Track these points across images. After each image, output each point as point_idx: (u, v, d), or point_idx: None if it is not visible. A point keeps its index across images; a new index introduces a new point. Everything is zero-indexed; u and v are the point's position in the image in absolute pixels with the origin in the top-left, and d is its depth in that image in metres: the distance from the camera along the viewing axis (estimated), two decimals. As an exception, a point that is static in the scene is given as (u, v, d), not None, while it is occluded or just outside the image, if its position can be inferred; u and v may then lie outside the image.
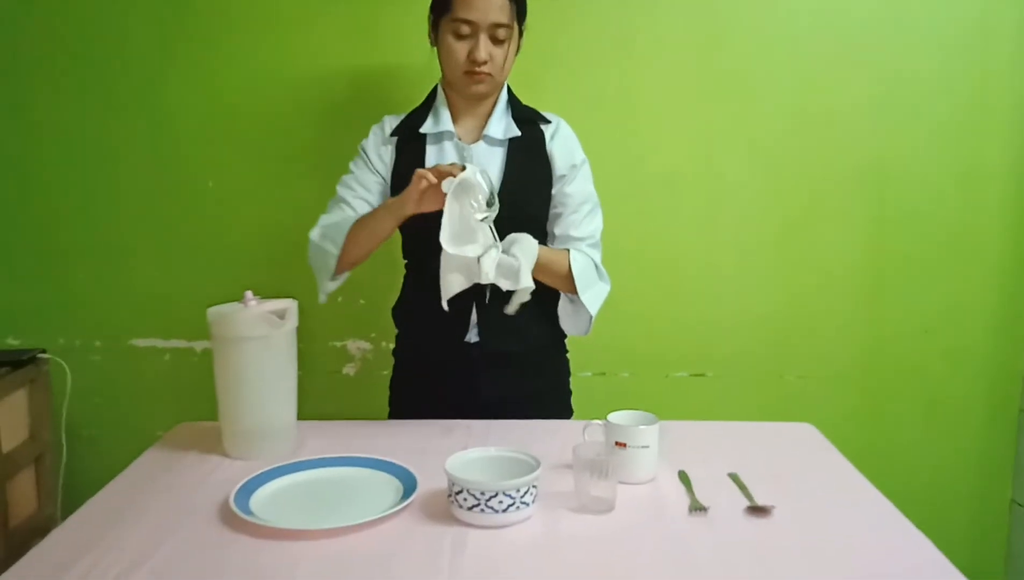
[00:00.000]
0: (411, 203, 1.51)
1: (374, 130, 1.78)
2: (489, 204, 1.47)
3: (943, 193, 2.28)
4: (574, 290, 1.69)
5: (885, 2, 2.19)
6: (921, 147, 2.26)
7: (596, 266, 1.74)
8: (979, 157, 2.27)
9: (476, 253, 1.47)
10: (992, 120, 2.25)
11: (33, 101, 2.21)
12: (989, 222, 2.30)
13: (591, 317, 1.73)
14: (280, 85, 2.21)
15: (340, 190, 1.75)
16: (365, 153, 1.76)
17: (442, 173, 1.47)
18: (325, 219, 1.72)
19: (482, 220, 1.46)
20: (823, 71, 2.22)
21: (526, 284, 1.51)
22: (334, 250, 1.64)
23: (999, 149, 2.27)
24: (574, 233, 1.73)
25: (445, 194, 1.44)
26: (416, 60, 2.13)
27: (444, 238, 1.46)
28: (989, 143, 2.26)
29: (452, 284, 1.53)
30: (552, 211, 1.76)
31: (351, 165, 1.77)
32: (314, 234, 1.70)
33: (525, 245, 1.56)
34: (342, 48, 2.19)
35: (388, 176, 1.74)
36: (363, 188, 1.73)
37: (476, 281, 1.52)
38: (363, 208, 1.71)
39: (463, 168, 1.45)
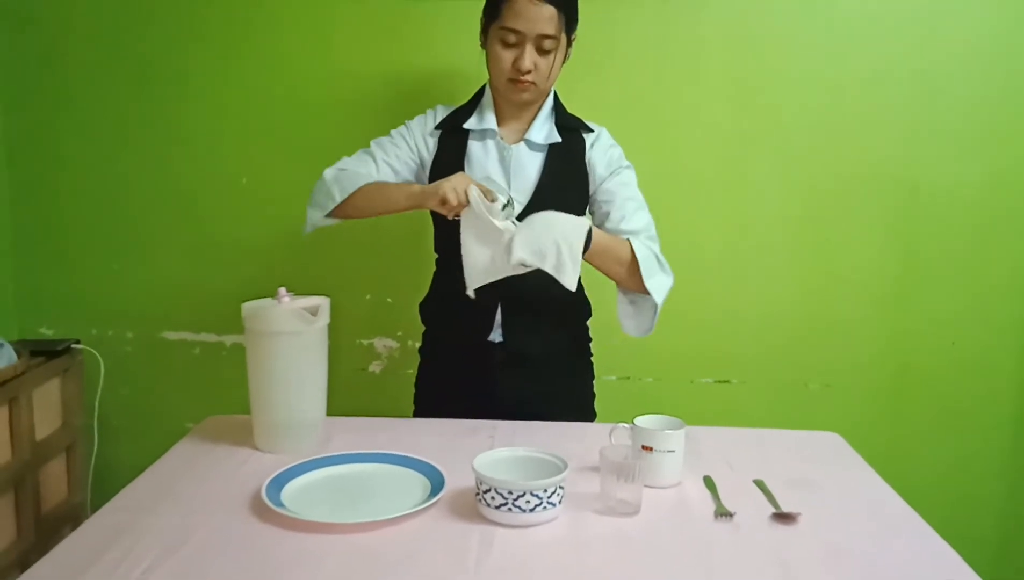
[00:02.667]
0: (434, 200, 1.53)
1: (427, 114, 1.80)
2: (504, 207, 1.53)
3: (969, 200, 2.26)
4: (637, 280, 1.62)
5: (914, 9, 2.19)
6: (948, 153, 2.25)
7: (657, 257, 1.68)
8: (1006, 164, 2.25)
9: (493, 251, 1.52)
10: (1017, 126, 2.23)
11: (68, 94, 2.25)
12: (1015, 229, 2.28)
13: (656, 308, 1.66)
14: (313, 82, 2.23)
15: (373, 146, 1.77)
16: (410, 131, 1.78)
17: (484, 194, 1.51)
18: (346, 162, 1.74)
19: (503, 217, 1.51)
20: (851, 76, 2.21)
21: (551, 265, 1.51)
22: (338, 197, 1.65)
23: None
24: (627, 226, 1.69)
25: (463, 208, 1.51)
26: (449, 61, 2.18)
27: (464, 235, 1.52)
28: (1016, 150, 2.25)
29: (475, 274, 1.55)
30: (600, 209, 1.75)
31: (392, 132, 1.79)
32: (328, 173, 1.71)
33: (549, 218, 1.54)
34: (374, 47, 2.21)
35: (428, 164, 1.76)
36: (395, 158, 1.75)
37: (501, 274, 1.53)
38: (385, 173, 1.73)
39: (494, 199, 1.52)
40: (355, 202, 1.66)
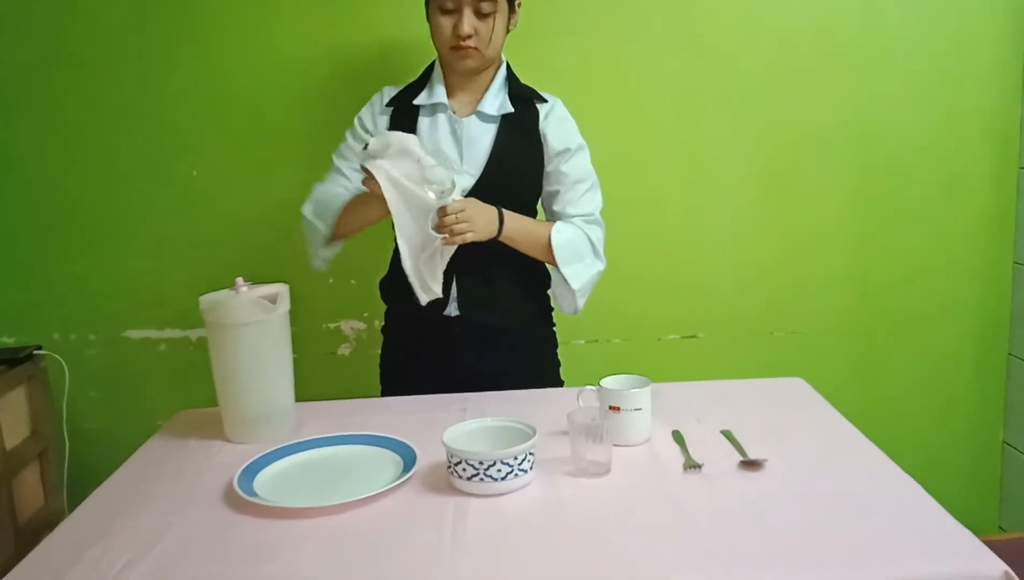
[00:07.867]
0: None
1: (372, 100, 1.80)
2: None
3: (924, 143, 2.30)
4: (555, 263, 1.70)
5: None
6: (901, 97, 2.28)
7: (591, 242, 1.73)
8: (959, 105, 2.29)
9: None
10: (971, 68, 2.27)
11: (19, 97, 2.20)
12: (972, 169, 2.33)
13: (574, 293, 1.72)
14: (261, 72, 2.20)
15: (335, 159, 1.78)
16: (361, 124, 1.78)
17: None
18: (318, 191, 1.76)
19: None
20: (800, 28, 2.23)
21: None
22: (324, 229, 1.70)
23: (978, 96, 2.29)
24: (570, 210, 1.74)
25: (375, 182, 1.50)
26: (394, 37, 2.16)
27: (398, 233, 1.53)
28: (969, 91, 2.28)
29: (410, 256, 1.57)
30: (549, 189, 1.77)
31: (347, 134, 1.79)
32: (306, 209, 1.74)
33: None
34: (315, 29, 2.18)
35: None
36: (356, 158, 1.74)
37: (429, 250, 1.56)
38: (357, 178, 1.72)
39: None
40: (343, 227, 1.70)
